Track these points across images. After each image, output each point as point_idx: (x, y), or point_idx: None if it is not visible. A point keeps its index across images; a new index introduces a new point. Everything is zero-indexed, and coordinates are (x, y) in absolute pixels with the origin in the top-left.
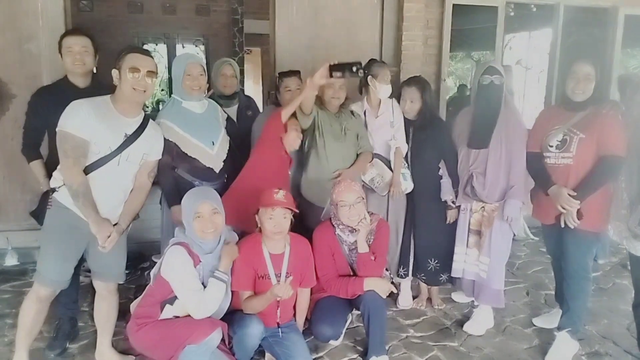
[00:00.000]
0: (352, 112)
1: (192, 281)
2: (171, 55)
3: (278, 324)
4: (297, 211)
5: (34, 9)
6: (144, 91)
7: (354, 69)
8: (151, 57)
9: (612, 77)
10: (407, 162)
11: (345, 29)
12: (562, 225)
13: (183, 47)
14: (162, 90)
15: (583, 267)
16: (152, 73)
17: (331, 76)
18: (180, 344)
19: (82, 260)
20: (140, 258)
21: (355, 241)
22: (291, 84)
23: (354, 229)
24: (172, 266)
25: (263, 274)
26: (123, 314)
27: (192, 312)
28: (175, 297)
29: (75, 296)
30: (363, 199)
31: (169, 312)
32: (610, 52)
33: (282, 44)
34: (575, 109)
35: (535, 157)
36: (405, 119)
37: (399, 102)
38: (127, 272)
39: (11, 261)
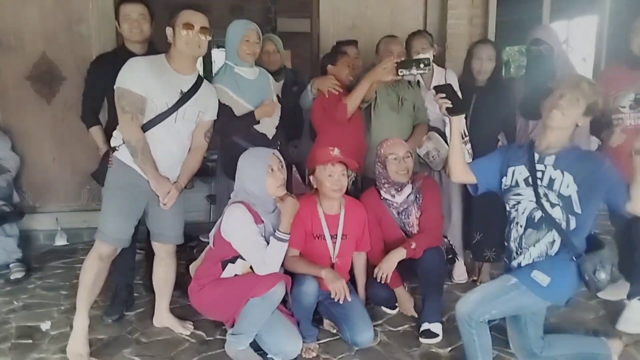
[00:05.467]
0: (409, 82)
1: (254, 238)
2: (205, 57)
3: None
4: (357, 166)
5: None
6: (199, 47)
7: (422, 65)
8: (204, 14)
9: None
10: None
11: (388, 9)
12: None
13: (217, 47)
14: None
15: None
16: (206, 29)
17: (397, 74)
18: (242, 299)
19: (137, 236)
20: (188, 238)
21: (404, 202)
22: (351, 52)
23: (400, 188)
24: (233, 224)
25: (318, 234)
26: (177, 284)
27: (256, 270)
28: (237, 256)
29: (132, 263)
30: (412, 155)
31: (230, 270)
32: None
33: (325, 25)
34: None
35: (596, 121)
36: (468, 84)
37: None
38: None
39: (61, 241)
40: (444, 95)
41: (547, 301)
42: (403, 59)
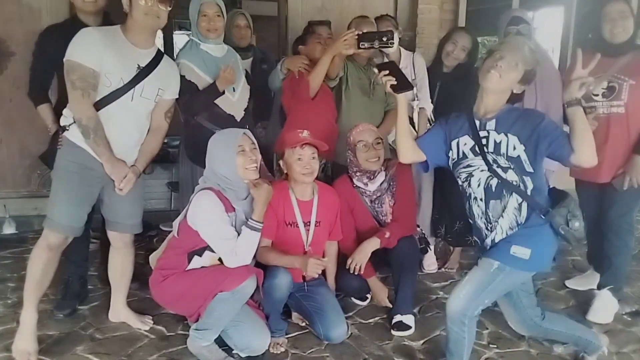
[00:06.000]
0: None
1: (224, 228)
2: (167, 42)
3: (304, 277)
4: (327, 147)
5: None
6: (158, 17)
7: (385, 38)
8: None
9: None
10: (431, 120)
11: None
12: (625, 187)
13: (180, 28)
14: None
15: (628, 220)
16: None
17: (359, 47)
18: (210, 292)
19: (91, 222)
20: (148, 227)
21: (377, 190)
22: (323, 32)
23: (372, 176)
24: (201, 212)
25: (291, 221)
26: (135, 276)
27: (226, 262)
28: (204, 248)
29: (86, 253)
30: (382, 141)
31: (196, 263)
32: None
33: (294, 7)
34: (615, 53)
35: None
36: (435, 71)
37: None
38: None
39: (9, 230)
40: (387, 72)
41: (533, 272)
42: (365, 31)
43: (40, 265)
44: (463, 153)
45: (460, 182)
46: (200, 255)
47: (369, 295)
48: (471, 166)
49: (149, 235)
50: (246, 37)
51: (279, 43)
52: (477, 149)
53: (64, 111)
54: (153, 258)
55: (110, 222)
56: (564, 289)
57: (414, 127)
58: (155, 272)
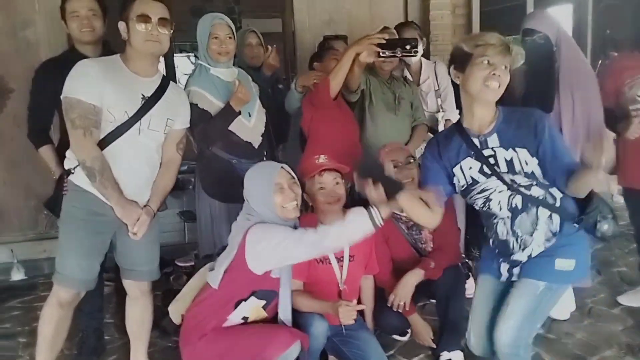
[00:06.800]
0: (404, 78)
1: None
2: (169, 66)
3: None
4: (348, 170)
5: None
6: (159, 43)
7: (408, 47)
8: (161, 2)
9: None
10: None
11: (367, 1)
12: None
13: (180, 51)
14: None
15: None
16: (166, 21)
17: (379, 56)
18: (251, 359)
19: (104, 265)
20: (162, 263)
21: None
22: (339, 47)
23: None
24: (262, 235)
25: (323, 258)
26: (155, 323)
27: (305, 251)
28: (251, 294)
29: (101, 304)
30: (415, 160)
31: (241, 311)
32: None
33: (301, 20)
34: None
35: (610, 113)
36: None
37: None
38: None
39: (18, 276)
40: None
41: (576, 282)
42: (386, 37)
43: (53, 324)
44: (472, 178)
45: (477, 208)
46: (246, 300)
47: (409, 330)
48: (486, 190)
49: (164, 272)
50: (259, 55)
51: (286, 60)
52: (486, 169)
53: (67, 153)
54: (175, 311)
55: (125, 270)
56: (617, 306)
57: None
58: (187, 329)
